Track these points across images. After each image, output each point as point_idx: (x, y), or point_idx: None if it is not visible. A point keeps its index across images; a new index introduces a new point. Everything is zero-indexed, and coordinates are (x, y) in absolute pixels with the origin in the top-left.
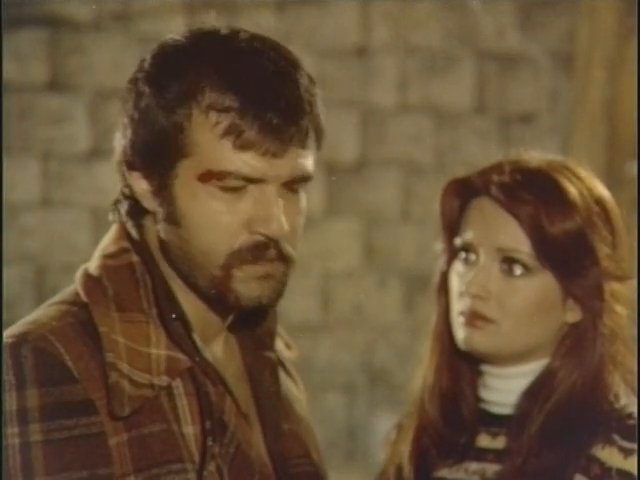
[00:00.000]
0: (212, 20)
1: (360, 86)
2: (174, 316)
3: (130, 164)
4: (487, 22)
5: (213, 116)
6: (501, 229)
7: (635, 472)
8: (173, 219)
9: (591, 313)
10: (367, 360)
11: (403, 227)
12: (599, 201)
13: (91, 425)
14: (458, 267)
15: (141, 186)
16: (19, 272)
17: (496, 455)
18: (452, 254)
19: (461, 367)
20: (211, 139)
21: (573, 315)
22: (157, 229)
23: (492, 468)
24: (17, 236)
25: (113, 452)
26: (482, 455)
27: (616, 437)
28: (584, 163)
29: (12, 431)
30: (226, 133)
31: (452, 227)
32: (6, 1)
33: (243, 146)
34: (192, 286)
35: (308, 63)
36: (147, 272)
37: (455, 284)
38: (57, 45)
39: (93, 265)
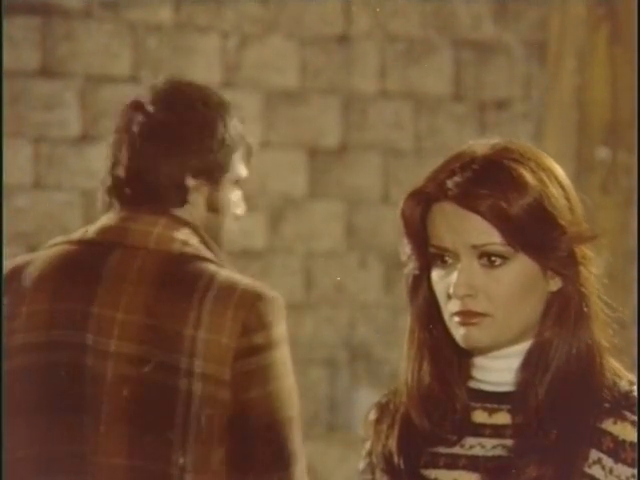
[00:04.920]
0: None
1: (342, 73)
2: None
3: None
4: (464, 12)
5: None
6: (469, 228)
7: None
8: None
9: (570, 279)
10: (348, 336)
11: (383, 209)
12: (548, 171)
13: None
14: (438, 271)
15: None
16: (12, 251)
17: (494, 430)
18: (425, 259)
19: (449, 358)
20: None
21: (555, 283)
22: None
23: (490, 442)
24: (10, 216)
25: None
26: (479, 430)
27: (627, 413)
28: (556, 147)
29: None
30: None
31: (418, 235)
32: None
33: None
34: None
35: (292, 51)
36: None
37: (440, 288)
38: (49, 32)
39: None
